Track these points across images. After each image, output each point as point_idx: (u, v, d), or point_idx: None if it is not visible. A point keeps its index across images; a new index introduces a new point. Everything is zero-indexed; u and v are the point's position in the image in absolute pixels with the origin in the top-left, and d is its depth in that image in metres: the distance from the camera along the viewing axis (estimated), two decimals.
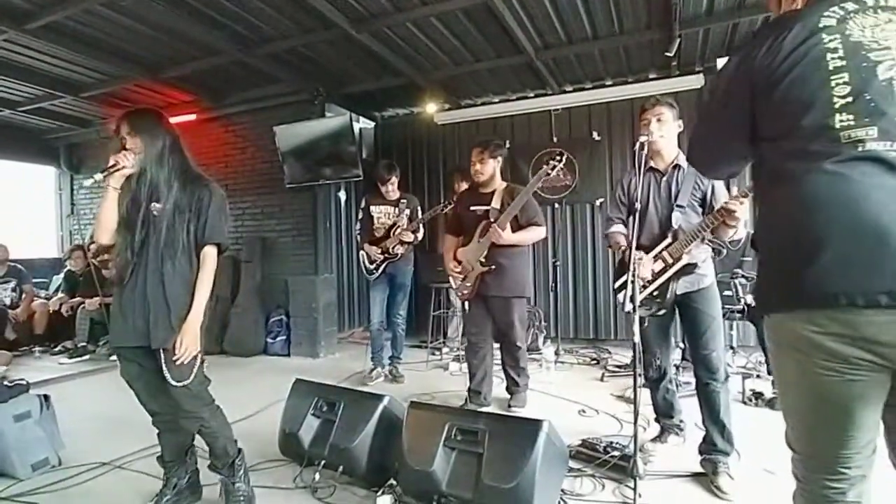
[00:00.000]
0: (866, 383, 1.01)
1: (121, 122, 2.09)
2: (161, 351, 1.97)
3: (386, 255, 4.25)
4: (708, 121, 1.38)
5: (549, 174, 3.00)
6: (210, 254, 2.09)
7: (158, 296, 1.99)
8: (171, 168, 2.06)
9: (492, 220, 3.11)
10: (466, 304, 3.44)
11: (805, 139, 1.07)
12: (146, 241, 2.01)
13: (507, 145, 5.89)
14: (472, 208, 3.26)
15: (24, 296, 5.78)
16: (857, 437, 1.06)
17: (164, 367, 1.97)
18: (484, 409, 3.10)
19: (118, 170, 1.98)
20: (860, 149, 1.01)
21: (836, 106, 1.04)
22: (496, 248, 3.09)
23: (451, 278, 3.36)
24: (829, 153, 1.03)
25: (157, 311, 1.98)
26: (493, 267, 3.10)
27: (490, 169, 3.21)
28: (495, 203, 3.17)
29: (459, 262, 3.27)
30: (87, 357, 5.26)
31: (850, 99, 1.03)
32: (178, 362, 1.96)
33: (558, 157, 2.98)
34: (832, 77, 1.05)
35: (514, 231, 3.10)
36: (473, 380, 3.36)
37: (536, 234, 3.20)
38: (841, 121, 1.03)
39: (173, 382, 1.98)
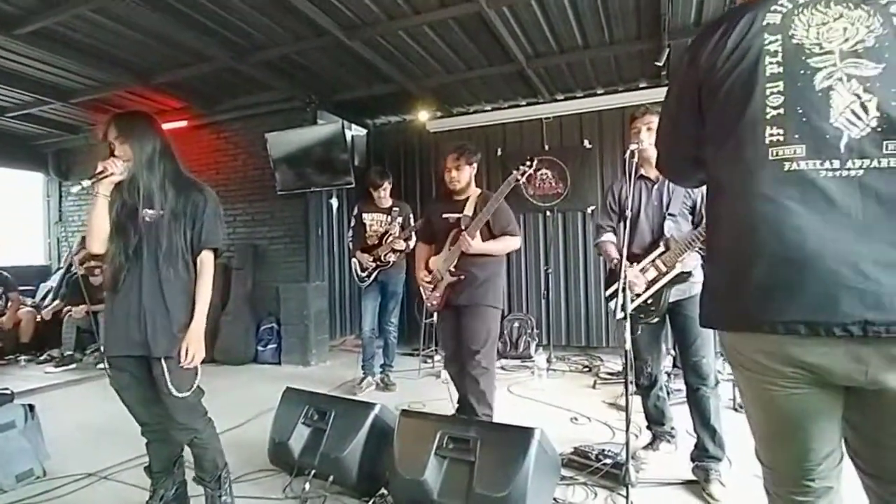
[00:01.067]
0: (812, 397, 0.99)
1: (108, 126, 2.03)
2: (163, 360, 1.92)
3: (378, 263, 4.25)
4: (665, 125, 1.32)
5: (518, 180, 2.86)
6: (208, 259, 2.06)
7: (158, 304, 1.95)
8: (163, 174, 2.01)
9: (463, 227, 2.96)
10: (436, 315, 3.25)
11: (738, 150, 1.01)
12: (139, 248, 1.97)
13: (500, 153, 5.96)
14: (444, 216, 3.12)
15: (9, 304, 5.69)
16: (814, 449, 1.04)
17: (167, 377, 1.92)
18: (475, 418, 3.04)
19: (106, 176, 1.93)
20: (787, 168, 0.95)
21: (768, 117, 0.98)
22: (467, 257, 2.92)
23: (421, 288, 3.18)
24: (758, 170, 0.98)
25: (157, 319, 1.94)
26: (462, 277, 2.93)
27: (466, 176, 3.06)
28: (468, 210, 3.02)
29: (431, 272, 3.11)
30: (73, 366, 5.18)
31: (781, 111, 0.97)
32: (184, 369, 1.94)
33: (528, 163, 2.84)
34: (767, 85, 0.98)
35: (486, 240, 2.94)
36: (460, 393, 3.18)
37: (509, 243, 3.00)
38: (771, 135, 0.97)
39: (175, 393, 1.93)
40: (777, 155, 0.96)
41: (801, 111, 0.95)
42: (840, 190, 0.91)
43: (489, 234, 2.96)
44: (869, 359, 0.90)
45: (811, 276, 0.91)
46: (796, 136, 0.95)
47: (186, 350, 1.94)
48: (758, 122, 0.98)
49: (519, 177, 2.82)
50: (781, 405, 1.02)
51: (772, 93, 0.97)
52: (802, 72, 0.96)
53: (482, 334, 2.91)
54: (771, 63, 0.98)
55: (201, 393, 2.09)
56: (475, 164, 3.11)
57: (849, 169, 0.91)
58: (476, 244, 2.88)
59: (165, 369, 1.92)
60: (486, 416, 2.94)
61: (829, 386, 0.97)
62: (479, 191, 3.15)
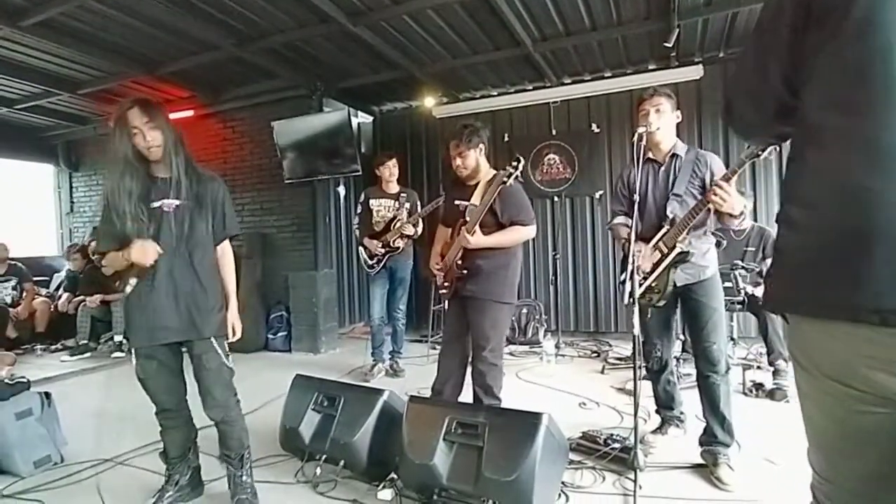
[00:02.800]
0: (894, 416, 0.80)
1: (128, 111, 1.95)
2: (213, 338, 2.08)
3: (387, 249, 4.25)
4: (749, 59, 1.01)
5: (504, 182, 2.60)
6: (228, 244, 2.24)
7: (196, 288, 2.07)
8: (185, 161, 2.07)
9: (466, 219, 2.76)
10: (446, 303, 3.06)
11: (858, 87, 0.77)
12: (158, 238, 2.00)
13: (506, 138, 5.91)
14: (455, 202, 2.93)
15: (24, 294, 5.79)
16: (885, 470, 0.85)
17: (220, 352, 2.10)
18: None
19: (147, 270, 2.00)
20: None
21: None
22: (473, 250, 2.73)
23: (435, 275, 3.00)
24: (884, 113, 0.74)
25: (199, 302, 2.06)
26: (466, 271, 2.76)
27: (472, 161, 2.83)
28: (475, 198, 2.80)
29: (444, 258, 2.96)
30: (88, 354, 5.27)
31: None
32: (234, 338, 2.20)
33: (514, 164, 2.59)
34: None
35: (495, 230, 2.73)
36: (437, 379, 2.92)
37: (519, 234, 2.78)
38: None
39: (229, 363, 2.13)
40: None
41: None
42: None
43: (497, 223, 2.75)
44: None
45: None
46: None
47: (232, 325, 2.19)
48: (888, 49, 0.74)
49: (505, 179, 2.58)
50: (858, 422, 0.83)
51: None
52: None
53: (487, 330, 2.73)
54: None
55: (233, 372, 2.19)
56: (481, 145, 2.86)
57: None
58: (475, 239, 2.67)
59: (216, 346, 2.08)
60: (497, 402, 2.83)
61: None
62: (491, 173, 2.87)
